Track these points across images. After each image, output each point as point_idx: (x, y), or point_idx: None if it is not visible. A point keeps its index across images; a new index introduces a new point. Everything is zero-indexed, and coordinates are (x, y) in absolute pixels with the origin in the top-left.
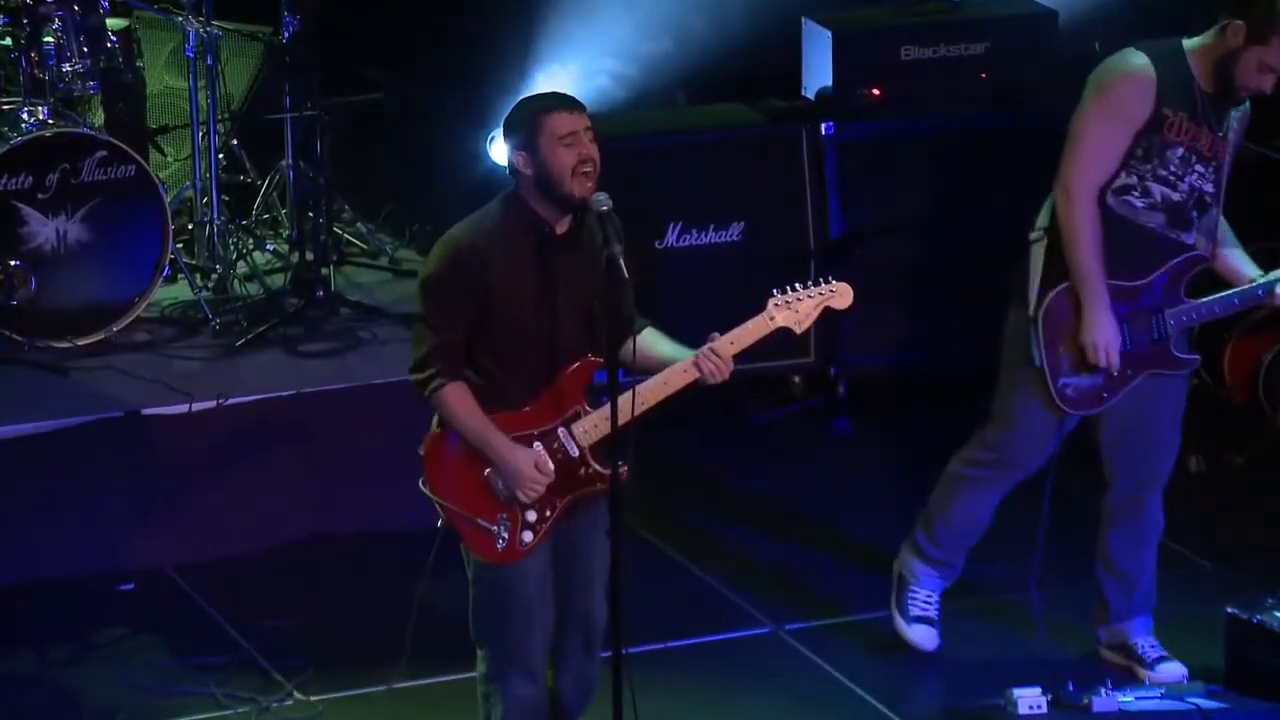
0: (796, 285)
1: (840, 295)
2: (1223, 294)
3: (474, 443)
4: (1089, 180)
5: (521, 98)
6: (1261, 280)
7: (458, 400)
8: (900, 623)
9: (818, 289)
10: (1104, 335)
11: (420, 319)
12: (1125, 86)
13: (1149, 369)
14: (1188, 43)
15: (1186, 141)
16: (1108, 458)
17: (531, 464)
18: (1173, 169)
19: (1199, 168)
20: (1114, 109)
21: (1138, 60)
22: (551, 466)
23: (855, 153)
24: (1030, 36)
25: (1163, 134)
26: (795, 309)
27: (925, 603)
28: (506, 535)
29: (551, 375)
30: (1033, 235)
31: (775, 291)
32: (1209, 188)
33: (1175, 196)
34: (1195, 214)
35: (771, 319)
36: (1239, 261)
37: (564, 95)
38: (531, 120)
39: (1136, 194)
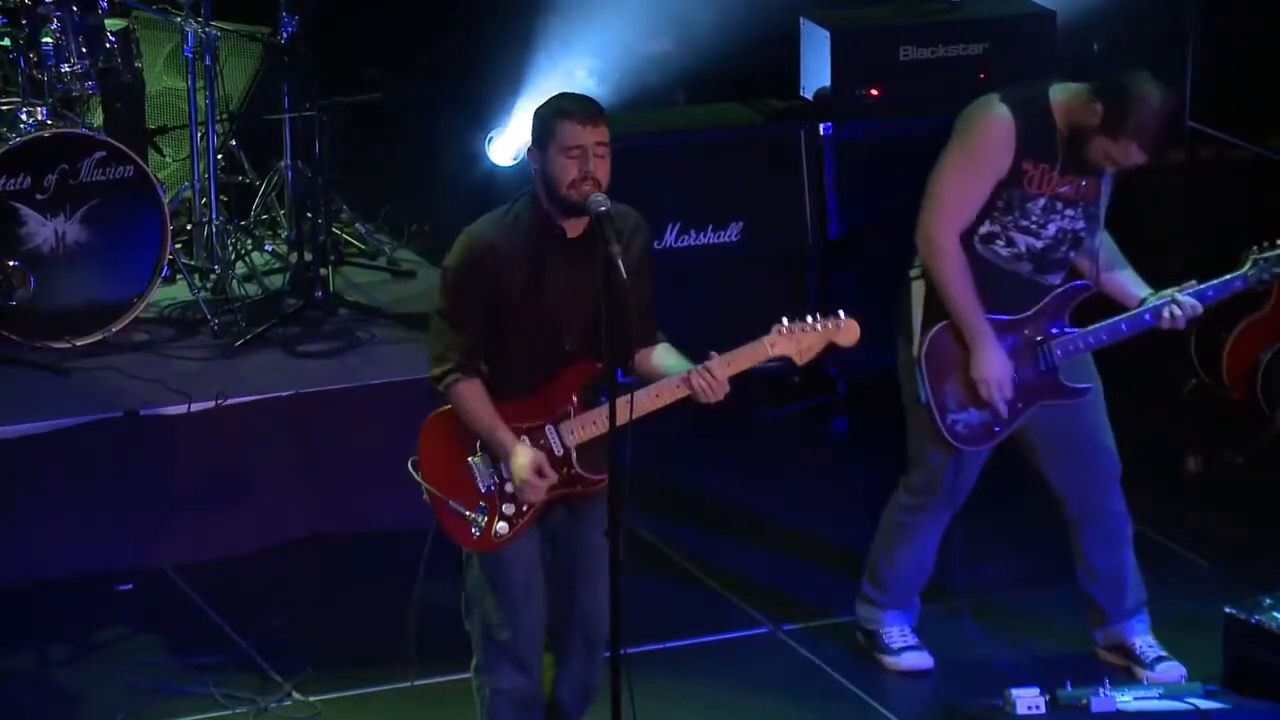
0: (806, 317)
1: (847, 332)
2: (1110, 321)
3: (483, 439)
4: (949, 228)
5: (558, 95)
6: (1149, 304)
7: (471, 396)
8: (888, 660)
9: (825, 322)
10: (994, 371)
11: (437, 311)
12: (984, 140)
13: (1039, 400)
14: (1055, 90)
15: (1048, 191)
16: (1050, 480)
17: (534, 466)
18: (1034, 219)
19: (1067, 212)
20: (973, 161)
21: (999, 111)
22: (552, 472)
23: (854, 153)
24: (1029, 37)
25: (1022, 187)
26: (798, 340)
27: (901, 635)
28: (482, 524)
29: (549, 374)
30: (912, 272)
31: (784, 319)
32: (1081, 225)
33: (1039, 244)
34: (1068, 252)
35: (772, 345)
36: (1128, 282)
37: (586, 105)
38: (546, 122)
39: (1001, 243)
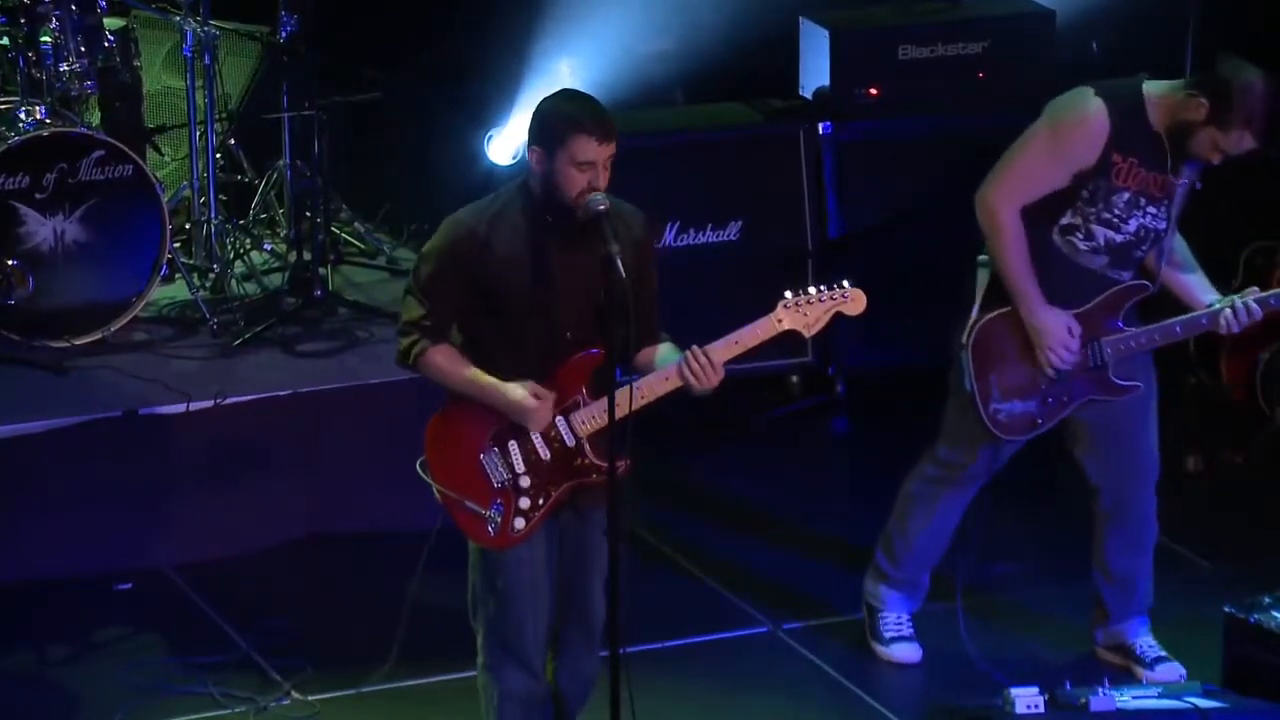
0: (809, 289)
1: (854, 301)
2: (1165, 322)
3: (468, 394)
4: (1010, 200)
5: (563, 92)
6: (1206, 309)
7: (443, 359)
8: (878, 648)
9: (830, 293)
10: (1056, 333)
11: (409, 290)
12: (1077, 130)
13: (1086, 396)
14: (1149, 87)
15: (1135, 186)
16: (1088, 470)
17: (529, 394)
18: (1117, 211)
19: (1150, 209)
20: (1060, 147)
21: (1094, 105)
22: (548, 392)
23: (853, 152)
24: (1028, 36)
25: (1110, 179)
26: (804, 312)
27: (897, 624)
28: (499, 521)
29: (554, 364)
30: (981, 258)
31: (787, 293)
32: (1163, 225)
33: (1118, 239)
34: (1147, 250)
35: (779, 321)
36: (1196, 286)
37: (600, 119)
38: (558, 131)
39: (1080, 235)
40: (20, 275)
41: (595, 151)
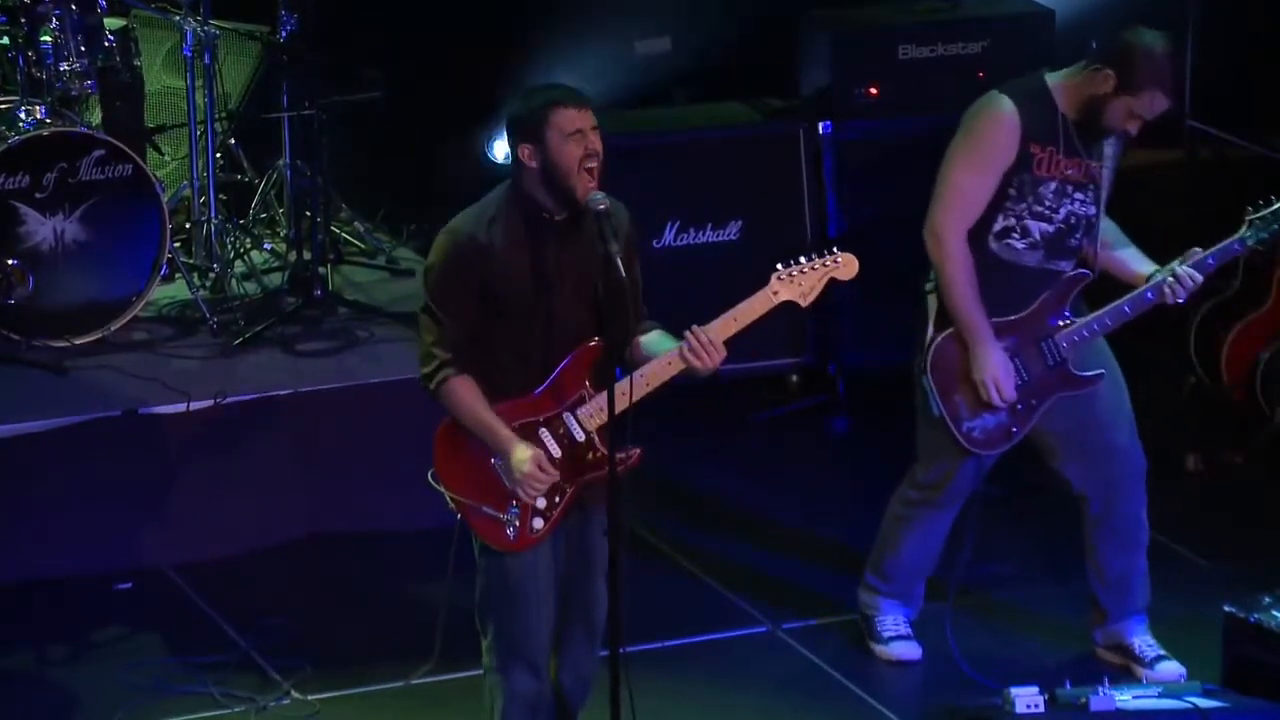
0: (801, 258)
1: (846, 266)
2: (1112, 305)
3: (480, 435)
4: (956, 223)
5: (526, 89)
6: (1148, 283)
7: (463, 394)
8: (878, 648)
9: (822, 260)
10: (991, 371)
11: (423, 310)
12: (990, 131)
13: (1053, 394)
14: (1051, 76)
15: (1058, 175)
16: (1071, 479)
17: (534, 464)
18: (1047, 203)
19: (1077, 195)
20: (980, 154)
21: (1002, 103)
22: (554, 468)
23: (853, 152)
24: (1028, 36)
25: (1032, 171)
26: (799, 282)
27: (894, 624)
28: (518, 524)
29: (556, 360)
30: (927, 286)
31: (779, 266)
32: (1092, 210)
33: (1051, 229)
34: (1081, 239)
35: (775, 293)
36: (1132, 260)
37: (570, 89)
38: (538, 114)
39: (1016, 235)
40: (20, 275)
41: (577, 118)
